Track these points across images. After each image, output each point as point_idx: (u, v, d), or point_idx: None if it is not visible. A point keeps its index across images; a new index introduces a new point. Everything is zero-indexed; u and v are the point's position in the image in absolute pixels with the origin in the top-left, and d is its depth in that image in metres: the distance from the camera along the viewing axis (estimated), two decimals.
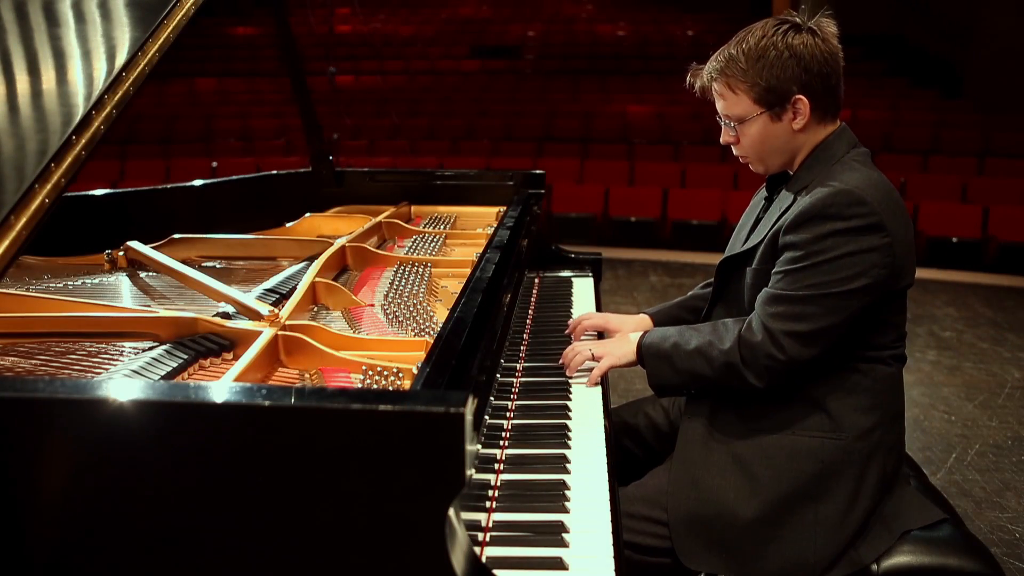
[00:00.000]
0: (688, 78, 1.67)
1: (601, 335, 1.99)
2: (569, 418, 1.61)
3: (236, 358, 1.40)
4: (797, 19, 1.58)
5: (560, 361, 1.80)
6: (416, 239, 2.37)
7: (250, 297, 1.67)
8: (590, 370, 1.76)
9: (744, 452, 1.56)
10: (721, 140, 1.66)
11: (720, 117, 1.64)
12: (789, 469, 1.53)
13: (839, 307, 1.47)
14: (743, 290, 1.64)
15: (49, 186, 1.15)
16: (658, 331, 1.68)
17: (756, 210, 1.75)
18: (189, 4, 1.56)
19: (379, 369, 1.36)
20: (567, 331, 1.98)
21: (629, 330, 1.87)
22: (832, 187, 1.49)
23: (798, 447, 1.53)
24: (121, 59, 1.40)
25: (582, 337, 1.96)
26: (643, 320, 1.95)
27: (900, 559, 1.49)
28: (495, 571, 1.00)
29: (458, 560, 0.95)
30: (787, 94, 1.54)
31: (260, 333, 1.46)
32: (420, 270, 2.00)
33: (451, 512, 0.94)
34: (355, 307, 1.79)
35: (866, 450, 1.53)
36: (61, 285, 1.91)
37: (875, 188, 1.50)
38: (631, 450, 1.89)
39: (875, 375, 1.55)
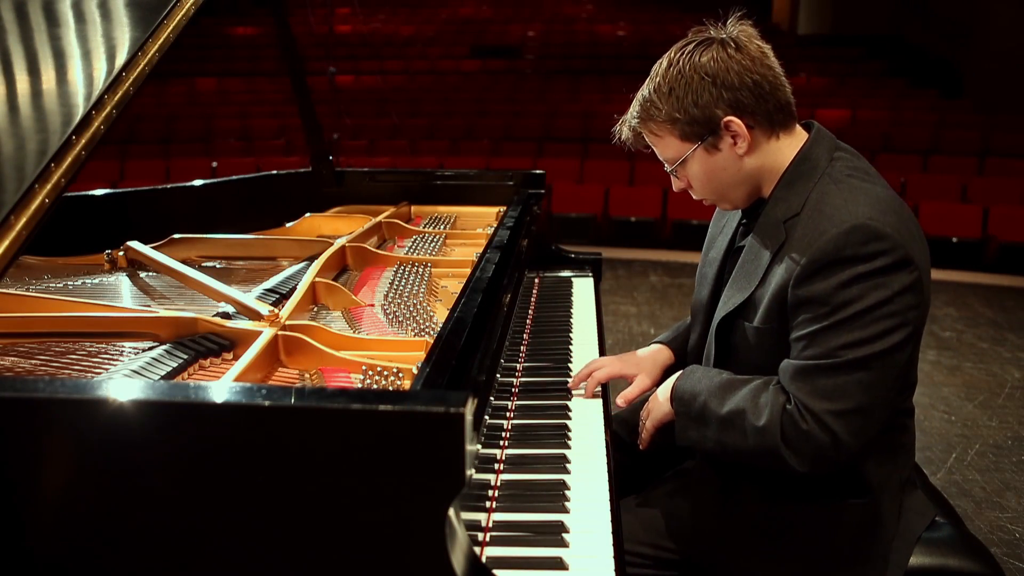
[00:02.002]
0: (615, 136, 1.51)
1: None
2: (569, 418, 1.61)
3: (236, 358, 1.40)
4: (710, 32, 1.40)
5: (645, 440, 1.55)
6: (416, 239, 2.37)
7: (250, 297, 1.67)
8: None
9: (767, 530, 1.43)
10: (674, 188, 1.50)
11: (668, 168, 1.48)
12: (817, 546, 1.40)
13: (886, 369, 1.26)
14: (739, 344, 1.44)
15: (49, 186, 1.15)
16: (689, 381, 1.45)
17: (730, 232, 1.57)
18: (189, 4, 1.56)
19: (379, 369, 1.36)
20: (572, 383, 1.71)
21: (647, 369, 1.69)
22: (842, 222, 1.27)
23: (825, 521, 1.41)
24: (121, 59, 1.39)
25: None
26: (659, 352, 1.73)
27: None
28: (495, 571, 1.00)
29: (458, 560, 0.95)
30: (713, 120, 1.36)
31: (260, 333, 1.46)
32: (420, 270, 2.00)
33: (451, 512, 0.93)
34: (355, 307, 1.79)
35: (894, 501, 1.44)
36: (61, 285, 1.91)
37: (890, 212, 1.29)
38: (623, 461, 1.76)
39: (895, 422, 1.42)
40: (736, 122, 1.35)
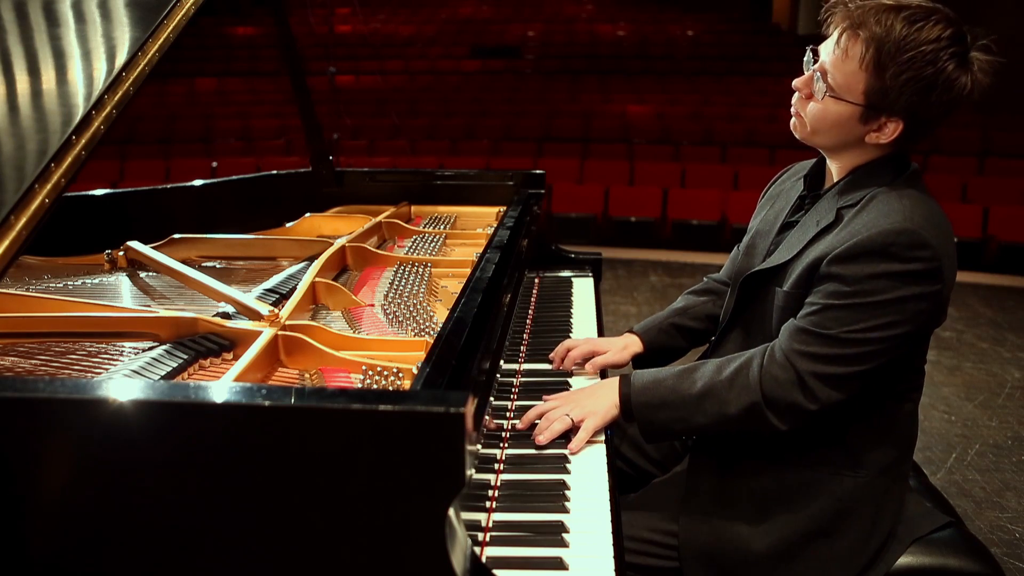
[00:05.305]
0: (830, 5, 1.40)
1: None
2: None
3: (236, 358, 1.40)
4: (968, 36, 1.36)
5: (533, 432, 1.51)
6: (416, 239, 2.37)
7: (250, 297, 1.67)
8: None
9: (759, 486, 1.50)
10: (795, 81, 1.46)
11: (816, 62, 1.42)
12: (805, 507, 1.47)
13: (877, 353, 1.35)
14: (768, 310, 1.50)
15: (49, 186, 1.15)
16: (645, 376, 1.49)
17: (785, 207, 1.60)
18: (189, 4, 1.56)
19: (379, 369, 1.36)
20: (555, 365, 1.81)
21: (616, 350, 1.78)
22: (894, 222, 1.33)
23: (815, 484, 1.47)
24: (121, 59, 1.40)
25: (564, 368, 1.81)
26: (632, 342, 1.82)
27: (900, 560, 1.49)
28: (495, 571, 1.00)
29: (458, 560, 0.95)
30: (889, 107, 1.35)
31: (260, 333, 1.45)
32: (420, 270, 2.00)
33: (451, 512, 0.94)
34: (355, 307, 1.79)
35: (884, 485, 1.48)
36: (61, 285, 1.91)
37: (937, 227, 1.36)
38: (624, 465, 1.81)
39: (896, 411, 1.48)
40: (897, 127, 1.38)
